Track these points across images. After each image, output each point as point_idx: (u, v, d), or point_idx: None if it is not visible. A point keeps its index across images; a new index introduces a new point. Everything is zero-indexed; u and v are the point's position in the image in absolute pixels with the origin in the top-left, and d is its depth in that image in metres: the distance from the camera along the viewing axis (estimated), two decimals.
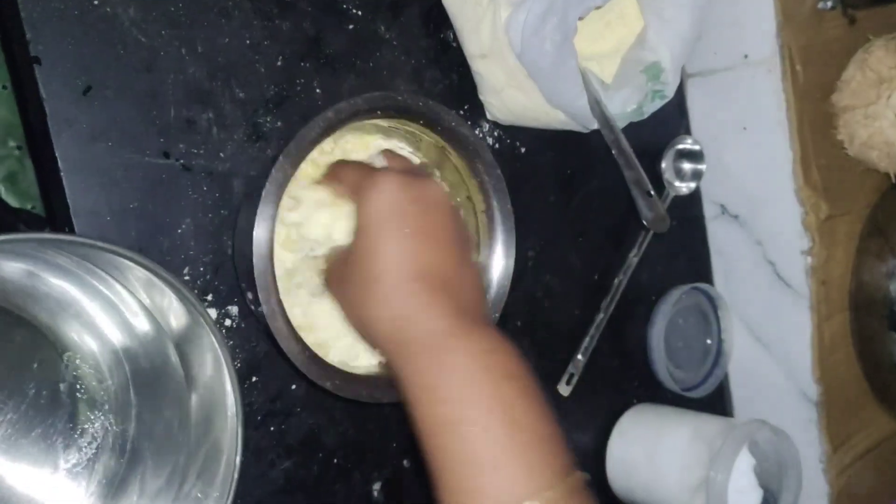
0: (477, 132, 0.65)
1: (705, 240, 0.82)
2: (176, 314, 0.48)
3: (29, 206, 0.86)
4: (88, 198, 0.49)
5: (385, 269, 0.46)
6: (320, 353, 0.52)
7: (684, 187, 0.77)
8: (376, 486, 0.61)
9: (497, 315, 0.57)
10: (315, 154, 0.54)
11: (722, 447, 0.66)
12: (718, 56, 0.75)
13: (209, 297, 0.53)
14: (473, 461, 0.42)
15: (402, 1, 0.61)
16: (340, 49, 0.58)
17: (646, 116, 0.67)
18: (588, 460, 0.73)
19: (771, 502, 0.69)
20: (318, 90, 0.57)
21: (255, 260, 0.47)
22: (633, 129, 0.67)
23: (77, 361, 0.51)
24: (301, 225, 0.52)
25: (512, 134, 0.67)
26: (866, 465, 0.79)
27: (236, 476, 0.47)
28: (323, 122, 0.49)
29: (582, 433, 0.73)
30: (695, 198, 0.80)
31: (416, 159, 0.57)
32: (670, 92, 0.66)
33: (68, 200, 0.49)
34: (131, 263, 0.44)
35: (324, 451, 0.58)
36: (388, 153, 0.53)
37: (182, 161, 0.52)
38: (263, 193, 0.47)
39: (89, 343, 0.51)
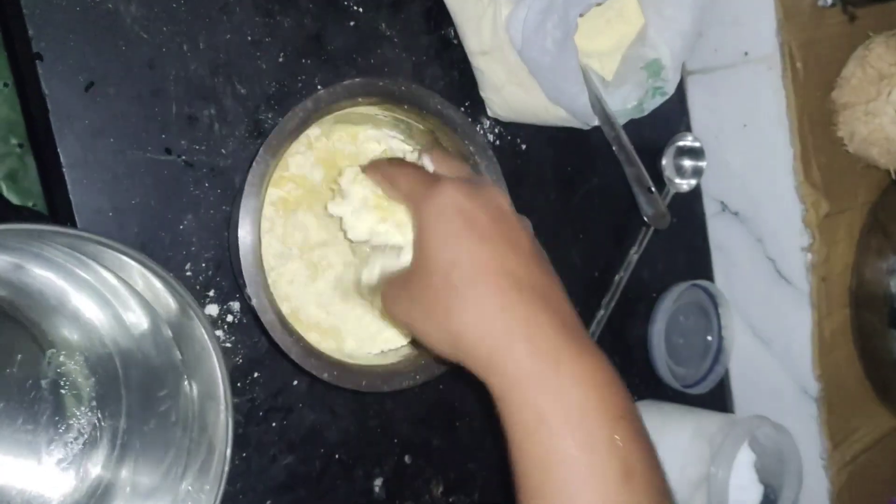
0: (478, 129, 0.65)
1: (706, 237, 0.82)
2: (167, 307, 0.48)
3: (30, 204, 0.86)
4: (91, 194, 0.49)
5: (469, 276, 0.42)
6: (334, 344, 0.51)
7: (685, 184, 0.77)
8: (378, 482, 0.61)
9: None
10: (303, 147, 0.54)
11: (723, 443, 0.66)
12: (719, 53, 0.75)
13: (211, 294, 0.53)
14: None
15: None
16: (341, 46, 0.58)
17: (646, 113, 0.67)
18: None
19: (772, 498, 0.70)
20: (319, 87, 0.57)
21: (241, 253, 0.47)
22: (633, 126, 0.67)
23: (61, 358, 0.51)
24: (344, 221, 0.51)
25: (513, 131, 0.67)
26: (867, 462, 0.79)
27: (226, 469, 0.47)
28: (302, 112, 0.48)
29: None
30: (695, 195, 0.80)
31: (408, 147, 0.57)
32: (671, 89, 0.66)
33: (71, 197, 0.49)
34: (121, 255, 0.43)
35: (325, 446, 0.58)
36: (435, 153, 0.50)
37: (184, 157, 0.52)
38: (246, 186, 0.46)
39: (77, 338, 0.51)
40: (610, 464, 0.39)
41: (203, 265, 0.53)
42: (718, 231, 0.81)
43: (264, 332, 0.54)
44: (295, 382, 0.57)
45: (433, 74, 0.63)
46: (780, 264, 0.76)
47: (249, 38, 0.55)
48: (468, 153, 0.54)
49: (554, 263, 0.70)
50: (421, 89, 0.52)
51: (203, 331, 0.46)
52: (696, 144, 0.77)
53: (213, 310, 0.53)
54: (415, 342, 0.55)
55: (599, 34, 0.66)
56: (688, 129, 0.79)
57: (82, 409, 0.51)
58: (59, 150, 0.48)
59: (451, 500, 0.64)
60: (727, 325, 0.80)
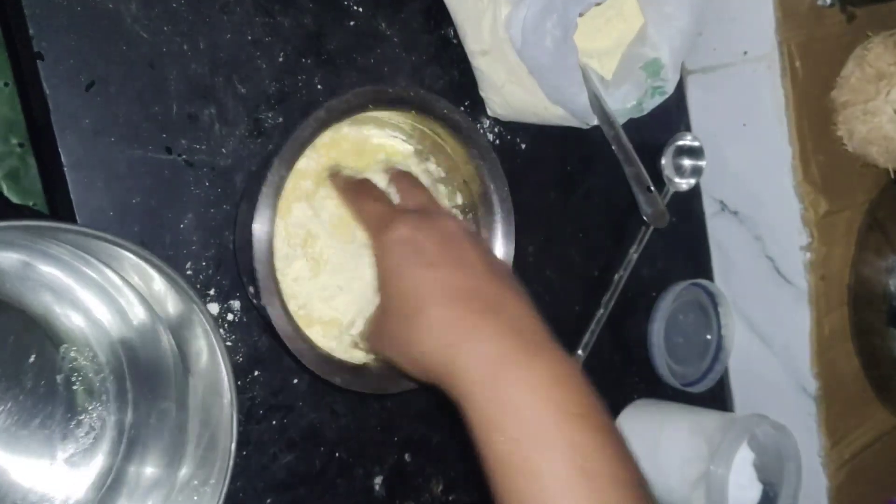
0: (478, 128, 0.65)
1: (705, 236, 0.82)
2: (170, 302, 0.48)
3: (31, 203, 0.86)
4: (92, 193, 0.49)
5: (422, 301, 0.44)
6: (338, 338, 0.52)
7: (684, 183, 0.77)
8: (378, 481, 0.61)
9: None
10: (308, 150, 0.54)
11: (722, 442, 0.66)
12: (718, 52, 0.75)
13: (211, 292, 0.54)
14: None
15: None
16: (341, 45, 0.58)
17: (646, 113, 0.67)
18: None
19: (771, 496, 0.70)
20: (319, 86, 0.57)
21: (256, 266, 0.48)
22: (633, 126, 0.67)
23: (73, 353, 0.51)
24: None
25: (512, 130, 0.67)
26: (865, 460, 0.79)
27: (231, 463, 0.47)
28: (315, 122, 0.49)
29: None
30: (694, 194, 0.80)
31: (409, 147, 0.58)
32: (670, 88, 0.66)
33: (72, 196, 0.49)
34: (125, 252, 0.44)
35: (325, 445, 0.58)
36: (400, 180, 0.53)
37: (184, 156, 0.53)
38: (260, 198, 0.48)
39: (85, 333, 0.51)
40: (568, 466, 0.39)
41: (204, 264, 0.53)
42: (718, 230, 0.81)
43: (265, 330, 0.55)
44: (295, 381, 0.57)
45: (433, 74, 0.63)
46: (779, 263, 0.76)
47: (249, 38, 0.55)
48: (471, 156, 0.54)
49: (553, 262, 0.71)
50: (429, 94, 0.53)
51: (207, 327, 0.47)
52: (696, 144, 0.77)
53: (213, 308, 0.54)
54: None
55: (599, 33, 0.66)
56: (687, 128, 0.79)
57: (94, 403, 0.51)
58: (59, 149, 0.48)
59: (451, 498, 0.65)
60: (726, 323, 0.80)
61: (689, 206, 0.80)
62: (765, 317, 0.79)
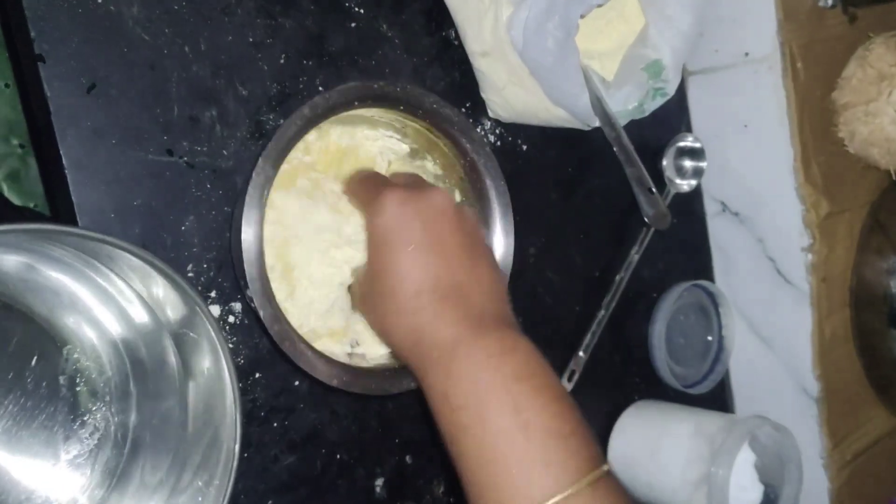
0: (479, 130, 0.65)
1: (706, 237, 0.82)
2: (173, 304, 0.48)
3: (32, 205, 0.86)
4: (93, 195, 0.49)
5: (396, 284, 0.47)
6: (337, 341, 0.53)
7: (685, 185, 0.77)
8: (379, 482, 0.61)
9: None
10: (300, 153, 0.54)
11: (723, 443, 0.66)
12: (719, 54, 0.75)
13: (212, 294, 0.54)
14: (489, 465, 0.42)
15: None
16: (343, 47, 0.58)
17: (647, 114, 0.67)
18: None
19: (772, 498, 0.70)
20: (320, 88, 0.57)
21: (246, 267, 0.48)
22: (634, 127, 0.67)
23: (76, 354, 0.51)
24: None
25: (514, 132, 0.67)
26: (866, 461, 0.79)
27: (235, 465, 0.47)
28: (300, 120, 0.49)
29: None
30: (696, 195, 0.80)
31: (404, 146, 0.58)
32: (671, 90, 0.66)
33: (73, 198, 0.49)
34: (127, 254, 0.44)
35: (327, 446, 0.58)
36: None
37: (185, 158, 0.52)
38: (247, 198, 0.48)
39: (88, 334, 0.51)
40: (504, 420, 0.42)
41: (205, 266, 0.53)
42: (719, 231, 0.81)
43: (266, 332, 0.55)
44: (296, 383, 0.57)
45: (434, 75, 0.63)
46: (780, 264, 0.76)
47: (251, 40, 0.55)
48: (465, 150, 0.54)
49: (554, 263, 0.71)
50: (416, 89, 0.53)
51: (210, 328, 0.47)
52: (697, 145, 0.77)
53: (215, 311, 0.54)
54: None
55: (600, 35, 0.66)
56: (688, 129, 0.79)
57: (98, 404, 0.51)
58: (61, 151, 0.48)
59: (452, 499, 0.65)
60: (727, 325, 0.80)
61: (690, 208, 0.80)
62: (766, 318, 0.79)
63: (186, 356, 0.50)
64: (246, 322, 0.55)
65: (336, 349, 0.55)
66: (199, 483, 0.49)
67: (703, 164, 0.77)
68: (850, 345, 0.78)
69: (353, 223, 0.55)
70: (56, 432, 0.50)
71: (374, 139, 0.57)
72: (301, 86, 0.57)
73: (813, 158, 0.73)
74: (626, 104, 0.66)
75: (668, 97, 0.66)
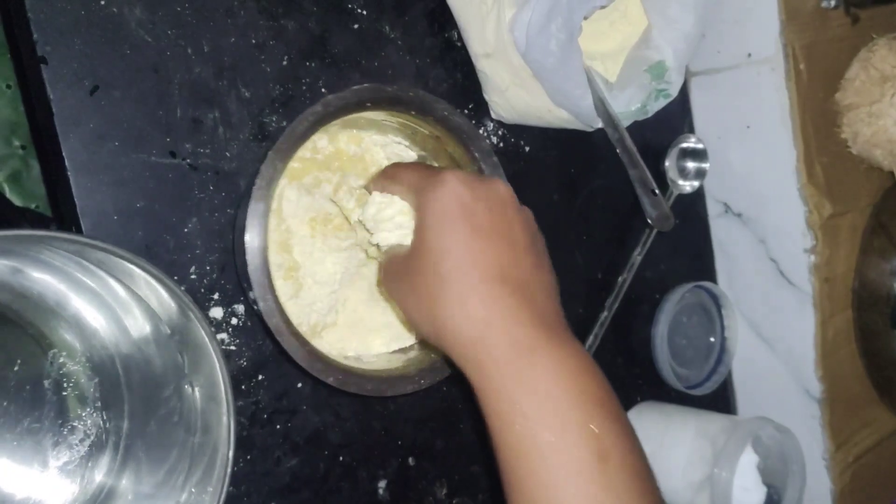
0: (481, 131, 0.65)
1: (709, 238, 0.82)
2: (166, 308, 0.48)
3: (33, 206, 0.86)
4: (95, 197, 0.49)
5: (458, 267, 0.43)
6: (338, 344, 0.51)
7: (688, 186, 0.77)
8: (382, 484, 0.61)
9: None
10: (309, 153, 0.54)
11: (726, 445, 0.66)
12: (722, 55, 0.75)
13: (215, 296, 0.54)
14: (559, 492, 0.39)
15: (407, 0, 0.61)
16: (345, 48, 0.58)
17: (650, 115, 0.67)
18: None
19: (775, 499, 0.70)
20: (323, 89, 0.57)
21: (248, 257, 0.47)
22: (636, 128, 0.67)
23: (62, 358, 0.51)
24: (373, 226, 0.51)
25: (516, 133, 0.67)
26: (869, 463, 0.79)
27: (229, 471, 0.47)
28: (312, 117, 0.48)
29: None
30: (698, 196, 0.80)
31: (412, 153, 0.57)
32: (674, 91, 0.66)
33: (75, 200, 0.49)
34: (118, 259, 0.43)
35: (329, 448, 0.58)
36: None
37: (188, 160, 0.52)
38: (254, 190, 0.47)
39: (77, 339, 0.51)
40: (583, 449, 0.39)
41: (208, 268, 0.53)
42: (721, 232, 0.81)
43: (269, 334, 0.55)
44: (299, 385, 0.57)
45: (437, 76, 0.63)
46: (783, 266, 0.76)
47: (253, 42, 0.55)
48: (473, 159, 0.54)
49: (557, 265, 0.70)
50: (428, 95, 0.52)
51: (203, 333, 0.46)
52: (699, 146, 0.77)
53: (217, 312, 0.54)
54: (422, 343, 0.55)
55: (603, 36, 0.66)
56: (691, 130, 0.79)
57: (87, 409, 0.51)
58: (63, 153, 0.48)
59: (454, 501, 0.65)
60: (730, 326, 0.80)
61: (692, 209, 0.80)
62: (768, 319, 0.79)
63: (180, 362, 0.50)
64: (249, 324, 0.55)
65: (334, 347, 0.55)
66: (193, 489, 0.49)
67: (706, 166, 0.77)
68: (853, 346, 0.78)
69: (361, 212, 0.54)
70: (43, 437, 0.50)
71: (382, 144, 0.57)
72: (304, 87, 0.57)
73: (816, 160, 0.73)
74: (629, 105, 0.65)
75: (671, 98, 0.66)
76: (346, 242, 0.55)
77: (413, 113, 0.52)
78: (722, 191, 0.79)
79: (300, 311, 0.54)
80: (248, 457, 0.55)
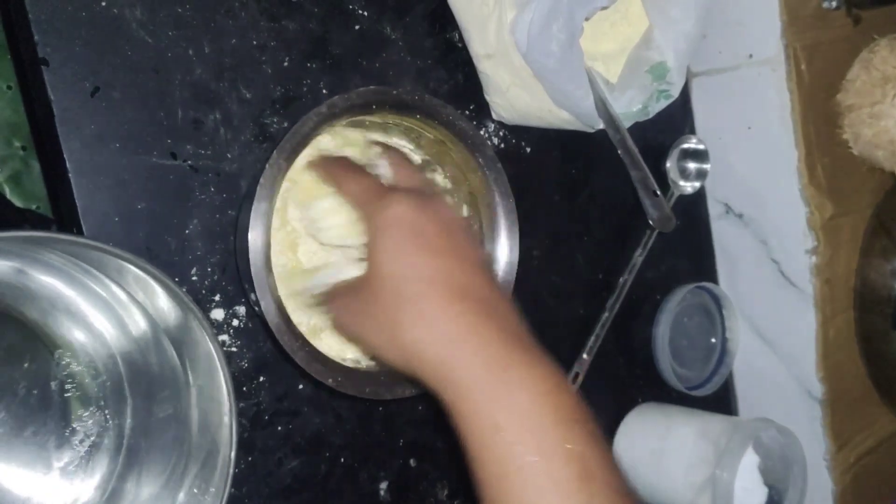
0: (482, 132, 0.65)
1: (710, 239, 0.82)
2: (167, 309, 0.48)
3: (34, 207, 0.86)
4: (96, 199, 0.49)
5: (418, 289, 0.43)
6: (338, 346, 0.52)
7: (689, 186, 0.77)
8: (383, 486, 0.61)
9: None
10: (311, 153, 0.54)
11: (727, 446, 0.66)
12: (723, 55, 0.75)
13: (217, 298, 0.53)
14: None
15: (408, 1, 0.61)
16: (346, 49, 0.58)
17: (651, 116, 0.67)
18: None
19: (776, 500, 0.70)
20: (324, 90, 0.57)
21: (251, 257, 0.47)
22: (638, 129, 0.67)
23: (67, 359, 0.51)
24: (316, 224, 0.52)
25: (517, 134, 0.67)
26: (871, 464, 0.79)
27: (231, 471, 0.47)
28: (317, 117, 0.48)
29: None
30: (699, 197, 0.80)
31: (416, 157, 0.57)
32: (676, 92, 0.66)
33: (76, 202, 0.49)
34: (119, 260, 0.44)
35: (331, 450, 0.58)
36: (392, 156, 0.51)
37: (189, 162, 0.52)
38: (258, 190, 0.47)
39: (81, 340, 0.51)
40: (567, 468, 0.39)
41: (209, 269, 0.53)
42: (722, 233, 0.81)
43: (270, 336, 0.55)
44: (300, 386, 0.57)
45: (438, 77, 0.63)
46: (784, 266, 0.76)
47: (254, 43, 0.55)
48: (478, 165, 0.54)
49: (558, 266, 0.70)
50: (434, 100, 0.52)
51: (205, 334, 0.46)
52: (701, 147, 0.77)
53: (218, 314, 0.54)
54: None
55: (604, 37, 0.66)
56: (692, 131, 0.79)
57: (90, 409, 0.51)
58: (64, 155, 0.48)
59: (455, 503, 0.65)
60: (731, 327, 0.80)
61: (693, 210, 0.80)
62: (770, 320, 0.79)
63: (183, 363, 0.50)
64: (250, 325, 0.55)
65: (333, 348, 0.55)
66: (195, 490, 0.49)
67: (707, 166, 0.77)
68: (854, 347, 0.78)
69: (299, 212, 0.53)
70: (48, 440, 0.50)
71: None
72: (305, 88, 0.57)
73: (817, 160, 0.72)
74: (631, 106, 0.65)
75: (673, 99, 0.66)
76: (349, 242, 0.55)
77: (418, 117, 0.52)
78: (723, 192, 0.79)
79: (301, 311, 0.54)
80: (250, 458, 0.55)
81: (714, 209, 0.81)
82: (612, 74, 0.66)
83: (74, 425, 0.51)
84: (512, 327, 0.43)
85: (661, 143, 0.76)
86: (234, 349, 0.54)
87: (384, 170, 0.50)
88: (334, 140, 0.55)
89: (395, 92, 0.51)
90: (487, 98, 0.64)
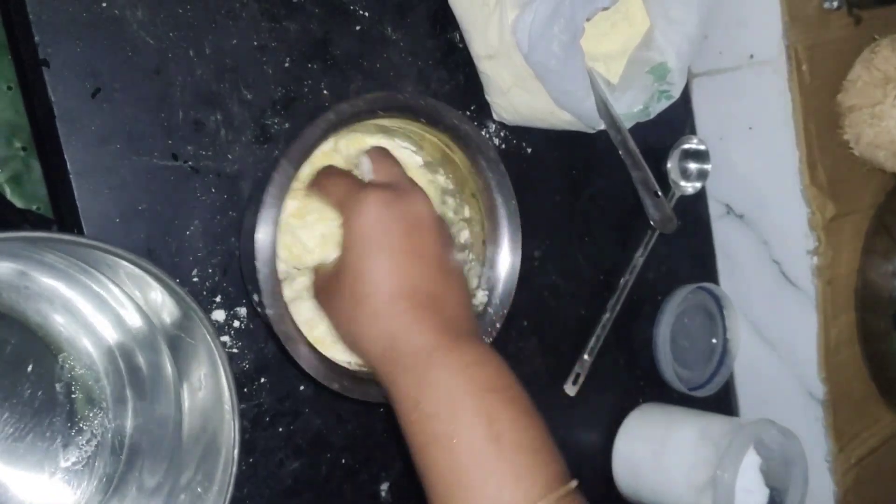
0: (483, 133, 0.65)
1: (711, 239, 0.82)
2: (168, 309, 0.48)
3: (34, 207, 0.86)
4: (97, 200, 0.49)
5: (372, 289, 0.46)
6: (322, 348, 0.52)
7: (690, 187, 0.77)
8: (384, 487, 0.61)
9: (504, 312, 0.57)
10: (315, 158, 0.54)
11: (729, 446, 0.66)
12: (724, 56, 0.75)
13: (218, 299, 0.53)
14: (459, 476, 0.42)
15: (409, 2, 0.61)
16: (347, 50, 0.58)
17: (652, 117, 0.67)
18: (594, 460, 0.73)
19: (777, 501, 0.70)
20: (325, 91, 0.57)
21: (258, 264, 0.48)
22: (639, 130, 0.67)
23: (71, 362, 0.51)
24: (300, 233, 0.53)
25: (518, 134, 0.67)
26: (872, 464, 0.79)
27: (234, 470, 0.47)
28: (324, 124, 0.49)
29: (588, 433, 0.73)
30: (700, 197, 0.80)
31: (418, 158, 0.57)
32: (677, 92, 0.66)
33: (77, 203, 0.49)
34: (121, 260, 0.44)
35: (332, 451, 0.58)
36: (373, 152, 0.53)
37: (190, 163, 0.52)
38: (265, 197, 0.47)
39: (83, 341, 0.51)
40: (476, 431, 0.42)
41: (210, 270, 0.53)
42: (723, 234, 0.81)
43: (271, 336, 0.55)
44: (301, 388, 0.57)
45: (439, 78, 0.63)
46: (785, 267, 0.76)
47: (255, 44, 0.54)
48: (480, 168, 0.54)
49: (559, 266, 0.70)
50: (439, 104, 0.53)
51: (207, 334, 0.46)
52: (702, 147, 0.77)
53: (219, 315, 0.53)
54: None
55: (605, 37, 0.66)
56: (693, 131, 0.79)
57: (95, 410, 0.51)
58: (65, 156, 0.48)
59: None
60: (732, 327, 0.80)
61: (694, 210, 0.80)
62: (771, 321, 0.79)
63: (184, 362, 0.50)
64: (251, 327, 0.55)
65: (341, 358, 0.55)
66: (199, 489, 0.49)
67: (708, 167, 0.77)
68: (856, 347, 0.78)
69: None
70: (55, 441, 0.50)
71: (388, 149, 0.56)
72: (306, 89, 0.57)
73: (818, 161, 0.72)
74: (632, 107, 0.65)
75: (674, 100, 0.66)
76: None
77: (423, 120, 0.52)
78: (724, 192, 0.79)
79: (307, 320, 0.54)
80: (251, 459, 0.55)
81: (715, 210, 0.81)
82: (613, 75, 0.66)
83: (82, 425, 0.51)
84: (453, 320, 0.47)
85: (662, 144, 0.76)
86: (234, 350, 0.54)
87: (365, 165, 0.52)
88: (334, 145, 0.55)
89: (401, 97, 0.52)
90: (488, 99, 0.64)
